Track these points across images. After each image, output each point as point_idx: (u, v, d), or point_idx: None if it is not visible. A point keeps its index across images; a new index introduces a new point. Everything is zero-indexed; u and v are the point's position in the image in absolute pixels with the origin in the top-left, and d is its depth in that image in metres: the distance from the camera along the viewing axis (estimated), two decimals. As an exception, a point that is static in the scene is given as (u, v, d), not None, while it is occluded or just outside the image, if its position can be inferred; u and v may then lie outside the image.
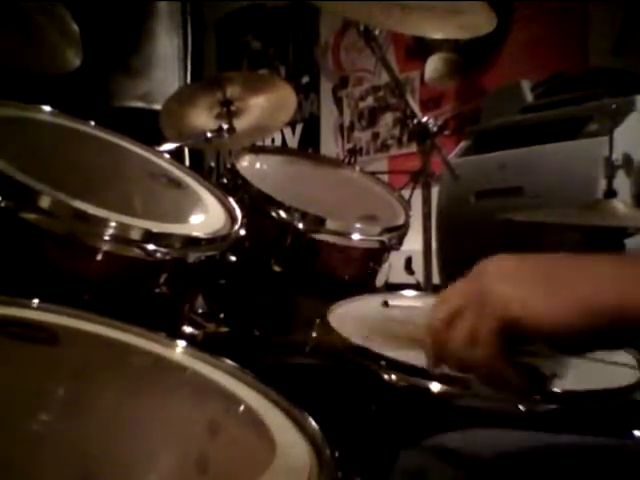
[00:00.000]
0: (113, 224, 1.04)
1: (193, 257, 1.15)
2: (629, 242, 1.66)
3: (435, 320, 0.65)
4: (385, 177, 2.82)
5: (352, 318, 1.18)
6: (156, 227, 1.10)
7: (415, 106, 2.05)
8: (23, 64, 1.74)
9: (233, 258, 1.48)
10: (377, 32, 2.00)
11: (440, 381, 0.94)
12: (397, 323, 1.21)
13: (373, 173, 2.05)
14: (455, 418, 0.97)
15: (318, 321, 1.15)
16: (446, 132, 2.30)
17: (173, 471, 0.62)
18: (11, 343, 0.74)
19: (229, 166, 1.64)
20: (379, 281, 1.73)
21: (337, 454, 0.65)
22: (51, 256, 1.05)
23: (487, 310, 0.59)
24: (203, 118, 2.30)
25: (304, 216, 1.49)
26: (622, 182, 1.97)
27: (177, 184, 1.35)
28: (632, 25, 2.57)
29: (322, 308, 1.19)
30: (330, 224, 1.51)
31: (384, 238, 1.58)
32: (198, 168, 1.78)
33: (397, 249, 1.63)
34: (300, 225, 1.49)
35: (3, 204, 0.98)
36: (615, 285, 0.56)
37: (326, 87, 4.36)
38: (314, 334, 1.14)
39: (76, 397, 0.69)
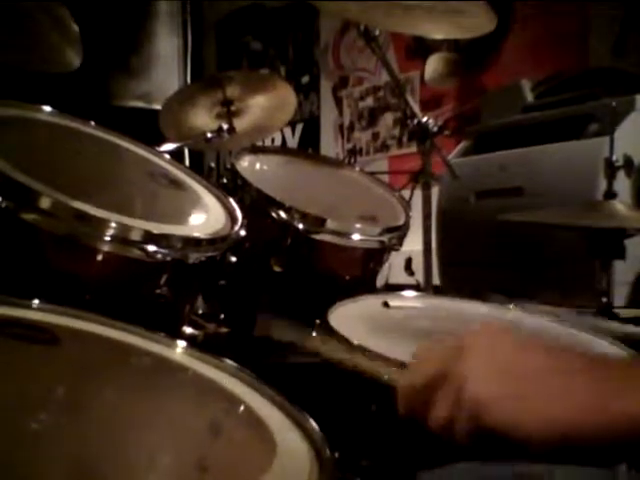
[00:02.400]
0: (113, 225, 1.04)
1: (193, 258, 1.14)
2: (629, 242, 1.66)
3: (409, 383, 0.66)
4: (385, 177, 2.82)
5: (352, 318, 1.18)
6: (156, 228, 1.10)
7: (415, 106, 2.05)
8: (23, 64, 1.74)
9: (233, 259, 1.48)
10: (377, 32, 2.00)
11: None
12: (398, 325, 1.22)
13: (373, 173, 2.05)
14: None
15: (318, 321, 1.15)
16: (446, 132, 2.30)
17: (173, 471, 0.62)
18: (11, 343, 0.74)
19: (229, 166, 1.64)
20: (379, 282, 1.73)
21: (337, 455, 0.65)
22: (51, 257, 1.05)
23: (463, 405, 0.59)
24: (203, 118, 2.30)
25: (304, 216, 1.49)
26: (622, 183, 1.97)
27: (177, 184, 1.35)
28: (632, 25, 2.57)
29: (322, 309, 1.19)
30: (330, 224, 1.51)
31: (384, 238, 1.58)
32: (198, 168, 1.78)
33: (397, 249, 1.63)
34: (300, 225, 1.49)
35: (3, 205, 0.98)
36: (595, 412, 0.55)
37: (326, 87, 4.37)
38: (314, 334, 1.14)
39: (76, 397, 0.69)
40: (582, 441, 0.55)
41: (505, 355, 0.61)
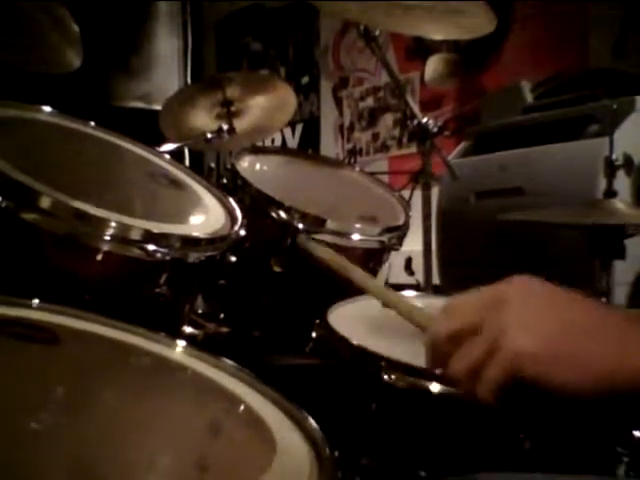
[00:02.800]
0: (113, 224, 1.04)
1: (193, 257, 1.14)
2: (629, 242, 1.66)
3: (441, 329, 0.63)
4: (385, 177, 2.82)
5: (352, 318, 1.18)
6: (156, 227, 1.10)
7: (415, 107, 2.05)
8: (23, 64, 1.74)
9: (233, 258, 1.48)
10: (377, 32, 2.00)
11: (440, 382, 0.93)
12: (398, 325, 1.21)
13: (373, 173, 2.05)
14: (455, 419, 0.97)
15: (318, 321, 1.15)
16: (446, 133, 2.30)
17: (173, 471, 0.62)
18: (11, 343, 0.74)
19: (229, 166, 1.64)
20: (379, 281, 1.73)
21: (337, 454, 0.65)
22: (51, 256, 1.05)
23: (500, 355, 0.58)
24: (203, 118, 2.30)
25: (304, 216, 1.49)
26: (622, 182, 1.97)
27: (177, 184, 1.35)
28: (632, 25, 2.57)
29: (322, 309, 1.19)
30: (330, 224, 1.51)
31: (384, 238, 1.58)
32: (198, 168, 1.78)
33: (397, 249, 1.63)
34: (300, 225, 1.49)
35: (3, 204, 0.98)
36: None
37: (326, 87, 4.37)
38: (314, 334, 1.14)
39: (76, 397, 0.69)
40: (624, 392, 0.55)
41: (545, 308, 0.60)
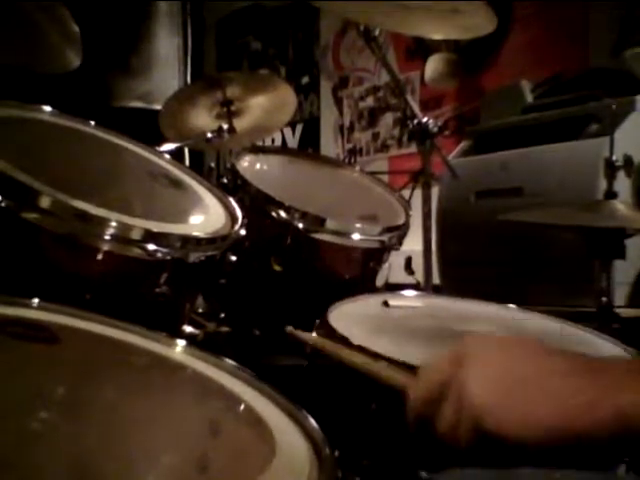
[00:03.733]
0: (113, 224, 1.04)
1: (193, 257, 1.15)
2: (629, 242, 1.66)
3: (417, 397, 0.67)
4: (385, 177, 2.82)
5: (352, 318, 1.18)
6: (156, 227, 1.10)
7: (415, 106, 2.05)
8: (23, 64, 1.74)
9: (233, 258, 1.48)
10: (377, 32, 2.00)
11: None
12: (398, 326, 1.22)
13: (373, 173, 2.05)
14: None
15: (318, 321, 1.15)
16: (446, 132, 2.30)
17: (173, 471, 0.62)
18: (11, 342, 0.74)
19: (229, 166, 1.64)
20: (379, 281, 1.74)
21: (337, 454, 0.65)
22: (51, 256, 1.05)
23: (464, 412, 0.61)
24: (203, 118, 2.30)
25: (304, 216, 1.49)
26: (622, 183, 1.97)
27: (177, 184, 1.36)
28: (632, 25, 2.57)
29: (322, 308, 1.19)
30: (330, 224, 1.51)
31: (384, 238, 1.58)
32: (198, 168, 1.78)
33: (397, 249, 1.63)
34: (300, 225, 1.49)
35: (3, 204, 0.98)
36: (583, 403, 0.56)
37: (326, 87, 4.37)
38: (314, 334, 1.14)
39: (76, 396, 0.69)
40: (578, 441, 0.56)
41: (500, 360, 0.63)
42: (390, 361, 0.98)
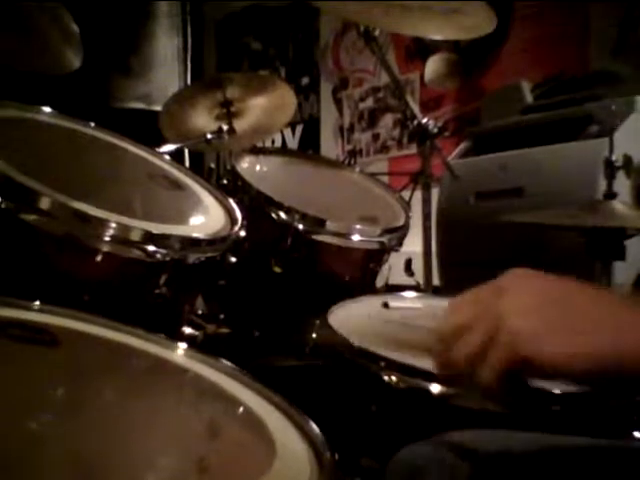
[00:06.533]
0: (113, 225, 1.04)
1: (193, 258, 1.15)
2: (629, 243, 1.66)
3: (445, 327, 0.64)
4: (385, 178, 2.82)
5: (352, 319, 1.18)
6: (156, 228, 1.10)
7: (415, 107, 2.05)
8: (23, 65, 1.74)
9: (233, 259, 1.48)
10: (377, 33, 2.00)
11: (440, 382, 0.93)
12: (399, 326, 1.21)
13: (373, 174, 2.05)
14: (455, 419, 0.97)
15: (318, 322, 1.15)
16: (446, 133, 2.30)
17: (173, 473, 0.62)
18: (11, 345, 0.74)
19: (229, 167, 1.64)
20: (379, 282, 1.73)
21: (337, 455, 0.65)
22: (51, 257, 1.05)
23: (500, 338, 0.59)
24: (203, 119, 2.30)
25: (304, 217, 1.49)
26: (622, 183, 1.97)
27: (177, 185, 1.36)
28: (632, 26, 2.57)
29: (322, 309, 1.19)
30: (330, 225, 1.51)
31: (384, 239, 1.58)
32: (198, 169, 1.78)
33: (397, 250, 1.63)
34: (300, 226, 1.49)
35: (3, 205, 0.98)
36: (634, 336, 0.56)
37: (326, 88, 4.36)
38: (314, 335, 1.14)
39: (76, 398, 0.69)
40: (627, 374, 0.56)
41: (544, 290, 0.62)
42: (390, 362, 0.98)
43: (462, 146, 2.64)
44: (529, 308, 0.60)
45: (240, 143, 2.17)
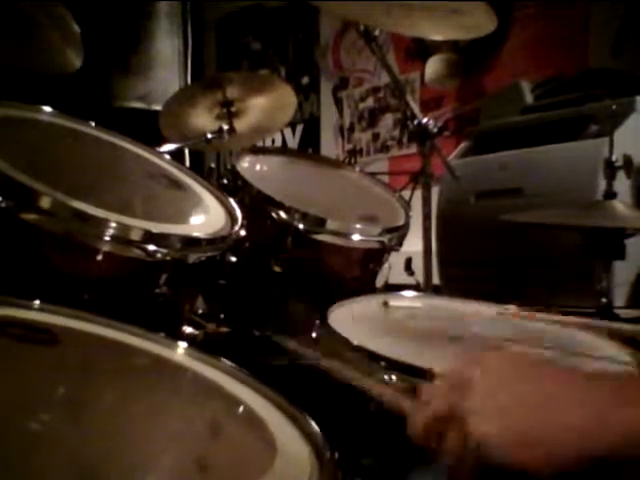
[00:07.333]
0: (113, 224, 1.04)
1: (193, 257, 1.14)
2: (629, 242, 1.66)
3: (417, 421, 0.67)
4: (385, 178, 2.82)
5: (352, 318, 1.18)
6: (156, 227, 1.10)
7: (415, 107, 2.05)
8: (24, 64, 1.74)
9: (233, 258, 1.48)
10: (377, 33, 2.00)
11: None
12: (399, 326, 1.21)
13: (373, 174, 2.05)
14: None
15: (318, 322, 1.15)
16: (446, 133, 2.30)
17: (173, 472, 0.62)
18: (11, 344, 0.74)
19: (229, 167, 1.64)
20: (379, 282, 1.73)
21: (337, 455, 0.65)
22: (51, 256, 1.05)
23: (468, 442, 0.61)
24: (203, 119, 2.30)
25: (304, 216, 1.49)
26: (622, 183, 1.97)
27: (177, 185, 1.36)
28: (632, 25, 2.57)
29: (322, 309, 1.19)
30: (330, 224, 1.51)
31: (384, 239, 1.58)
32: (198, 169, 1.78)
33: (397, 250, 1.63)
34: (300, 225, 1.49)
35: (3, 204, 0.98)
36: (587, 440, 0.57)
37: (326, 88, 4.36)
38: (314, 335, 1.14)
39: (76, 398, 0.69)
40: (580, 467, 0.57)
41: (504, 389, 0.62)
42: (390, 362, 0.98)
43: (462, 146, 2.64)
44: (487, 411, 0.61)
45: (240, 143, 2.17)
